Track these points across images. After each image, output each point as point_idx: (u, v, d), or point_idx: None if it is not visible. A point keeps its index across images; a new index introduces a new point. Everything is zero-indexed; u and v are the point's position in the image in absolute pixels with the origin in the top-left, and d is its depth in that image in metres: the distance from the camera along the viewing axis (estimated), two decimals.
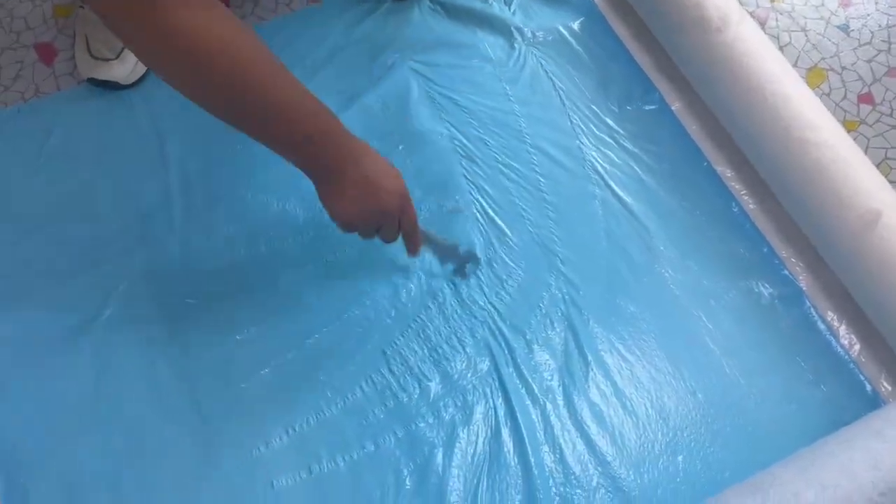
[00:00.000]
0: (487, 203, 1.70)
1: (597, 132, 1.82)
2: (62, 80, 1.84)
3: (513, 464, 1.43)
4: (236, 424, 1.43)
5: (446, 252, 1.56)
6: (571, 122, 1.83)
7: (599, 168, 1.76)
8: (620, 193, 1.73)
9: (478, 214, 1.68)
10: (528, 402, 1.48)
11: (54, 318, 1.53)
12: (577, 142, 1.80)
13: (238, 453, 1.40)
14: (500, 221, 1.68)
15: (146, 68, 1.79)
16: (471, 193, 1.71)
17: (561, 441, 1.45)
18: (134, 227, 1.62)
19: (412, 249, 1.45)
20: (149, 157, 1.70)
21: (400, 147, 1.75)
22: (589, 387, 1.51)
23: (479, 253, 1.61)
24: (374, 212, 1.31)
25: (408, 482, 1.39)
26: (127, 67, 1.77)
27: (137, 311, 1.49)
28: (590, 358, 1.54)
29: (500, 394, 1.49)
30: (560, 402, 1.49)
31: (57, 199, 1.64)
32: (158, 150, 1.71)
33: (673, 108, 1.88)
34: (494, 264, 1.62)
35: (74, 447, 1.41)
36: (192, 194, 1.66)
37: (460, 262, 1.58)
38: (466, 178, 1.74)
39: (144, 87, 1.81)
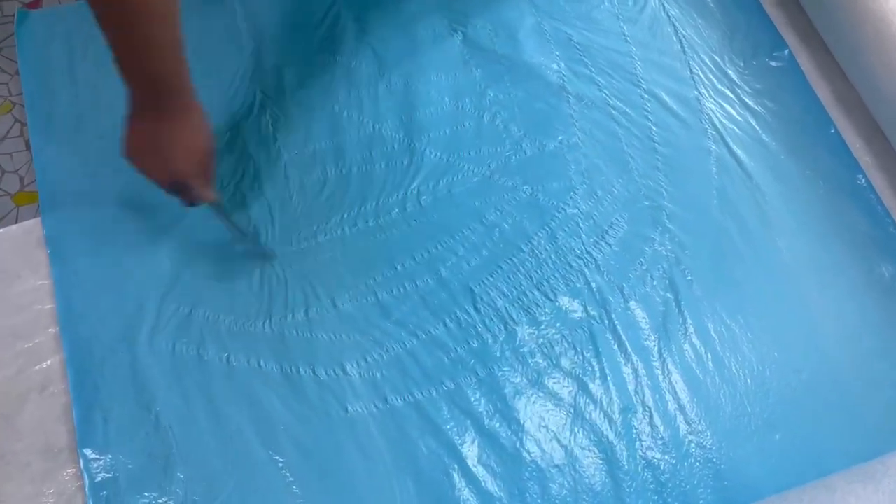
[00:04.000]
0: (593, 147, 1.58)
1: (717, 85, 1.69)
2: None
3: (598, 420, 1.35)
4: (314, 344, 1.37)
5: (239, 238, 1.45)
6: (691, 71, 1.70)
7: (717, 123, 1.63)
8: (738, 152, 1.60)
9: (582, 157, 1.57)
10: (620, 358, 1.39)
11: (135, 216, 1.48)
12: (696, 92, 1.67)
13: (313, 372, 1.34)
14: (604, 168, 1.56)
15: None
16: (577, 135, 1.60)
17: (650, 403, 1.36)
18: (222, 132, 1.54)
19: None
20: (243, 61, 1.63)
21: (505, 78, 1.64)
22: (686, 350, 1.41)
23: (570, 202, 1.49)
24: (154, 169, 1.24)
25: (486, 425, 1.32)
26: None
27: (215, 220, 1.41)
28: (689, 321, 1.43)
29: (590, 347, 1.40)
30: (655, 362, 1.39)
31: None
32: (254, 55, 1.64)
33: (803, 67, 1.73)
34: (595, 213, 1.52)
35: (146, 348, 1.35)
36: (284, 103, 1.59)
37: (254, 251, 1.46)
38: (573, 117, 1.62)
39: None
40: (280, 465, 1.29)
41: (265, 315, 1.42)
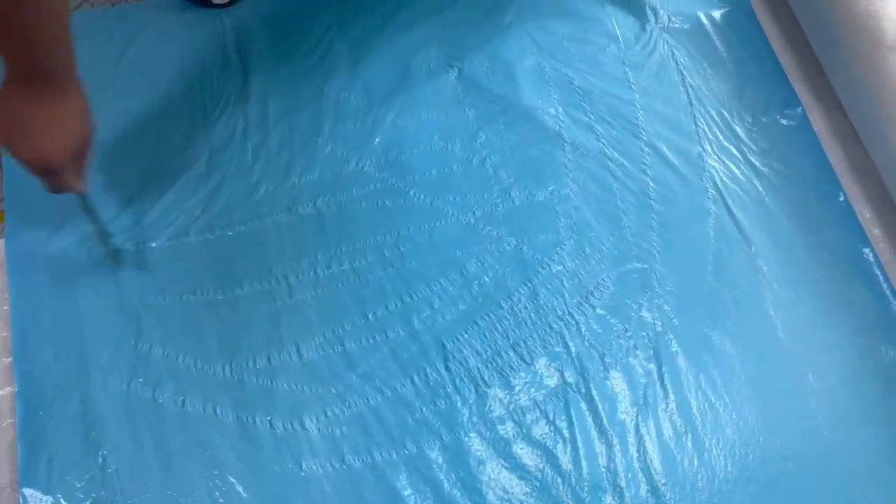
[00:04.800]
0: (585, 200, 1.51)
1: (723, 141, 1.60)
2: None
3: (565, 497, 1.27)
4: (273, 393, 1.32)
5: (99, 237, 1.39)
6: (696, 124, 1.61)
7: (719, 182, 1.55)
8: (738, 215, 1.52)
9: (573, 210, 1.49)
10: (595, 431, 1.31)
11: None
12: (699, 148, 1.59)
13: (270, 424, 1.29)
14: (595, 223, 1.48)
15: None
16: (569, 186, 1.52)
17: (622, 483, 1.28)
18: (201, 159, 1.49)
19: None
20: (229, 85, 1.57)
21: (499, 120, 1.57)
22: (665, 428, 1.33)
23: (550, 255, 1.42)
24: (20, 148, 1.15)
25: (446, 494, 1.25)
26: None
27: (186, 247, 1.34)
28: (672, 396, 1.35)
29: (564, 416, 1.32)
30: (630, 438, 1.31)
31: (126, 113, 1.51)
32: (241, 79, 1.58)
33: (815, 127, 1.64)
34: (582, 272, 1.44)
35: (100, 386, 1.30)
36: (266, 133, 1.52)
37: (112, 252, 1.41)
38: (566, 167, 1.54)
39: (237, 10, 1.66)
40: None
41: (227, 358, 1.35)
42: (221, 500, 1.25)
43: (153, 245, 1.44)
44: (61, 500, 1.24)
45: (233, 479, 1.26)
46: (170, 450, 1.29)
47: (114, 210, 1.45)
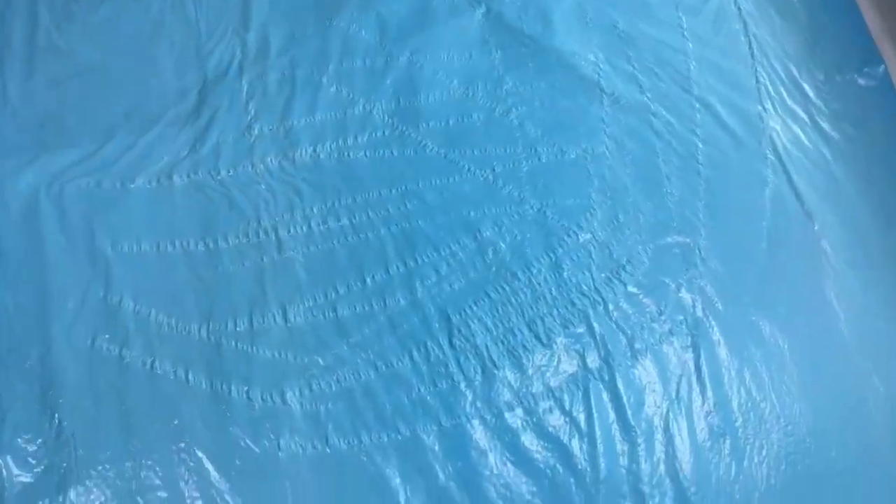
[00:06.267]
0: (623, 161, 1.32)
1: (788, 101, 1.40)
2: None
3: (576, 501, 1.10)
4: (253, 361, 1.18)
5: None
6: (758, 80, 1.41)
7: (780, 147, 1.35)
8: (800, 186, 1.32)
9: (607, 172, 1.30)
10: (617, 427, 1.14)
11: (75, 190, 1.27)
12: (759, 107, 1.39)
13: (247, 395, 1.15)
14: (633, 188, 1.30)
15: None
16: (605, 144, 1.33)
17: (645, 489, 1.11)
18: (191, 92, 1.33)
19: None
20: (228, 11, 1.41)
21: (528, 65, 1.38)
22: (699, 428, 1.16)
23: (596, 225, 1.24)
24: None
25: (441, 487, 1.10)
26: None
27: (168, 190, 1.20)
28: (710, 392, 1.18)
29: (582, 408, 1.15)
30: (658, 438, 1.14)
31: (115, 34, 1.36)
32: (241, 4, 1.41)
33: None
34: (613, 243, 1.25)
35: (61, 340, 1.17)
36: (264, 68, 1.35)
37: None
38: (603, 121, 1.35)
39: None
40: (193, 500, 1.09)
41: (204, 317, 1.20)
42: (187, 477, 1.11)
43: (133, 186, 1.28)
44: (10, 465, 1.11)
45: (201, 454, 1.12)
46: (134, 416, 1.15)
47: (93, 142, 1.30)
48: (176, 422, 1.14)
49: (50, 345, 1.17)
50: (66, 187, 1.27)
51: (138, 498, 1.09)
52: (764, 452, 1.14)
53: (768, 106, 1.39)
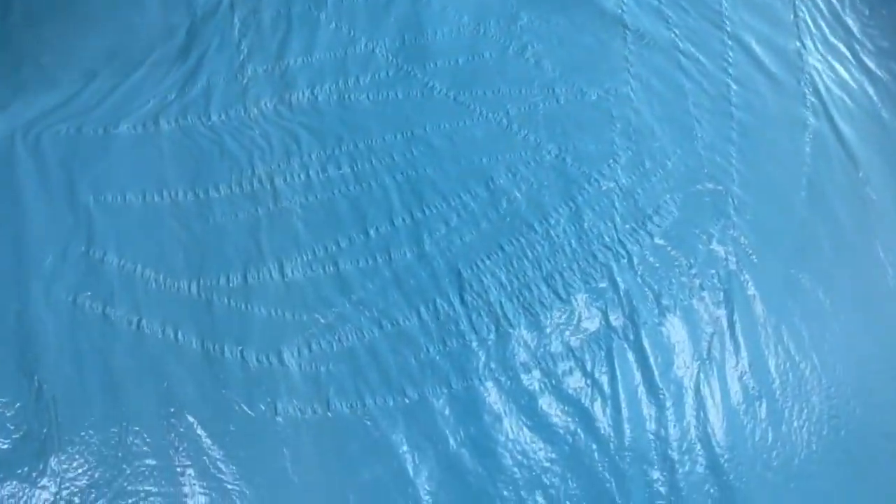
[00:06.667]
0: (649, 102, 1.22)
1: (830, 36, 1.29)
2: None
3: (600, 468, 1.02)
4: (248, 319, 1.09)
5: None
6: (796, 14, 1.30)
7: (821, 88, 1.26)
8: (844, 130, 1.22)
9: (632, 114, 1.20)
10: (643, 388, 1.06)
11: (53, 141, 1.17)
12: (798, 44, 1.28)
13: (242, 356, 1.07)
14: (660, 132, 1.20)
15: None
16: (629, 85, 1.22)
17: (674, 455, 1.03)
18: (179, 30, 1.24)
19: None
20: None
21: (546, 3, 1.27)
22: (733, 390, 1.07)
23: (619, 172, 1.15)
24: None
25: (452, 454, 1.02)
26: None
27: (155, 136, 1.11)
28: (744, 351, 1.09)
29: (605, 369, 1.06)
30: (688, 401, 1.06)
31: None
32: None
33: None
34: (639, 191, 1.16)
35: (40, 297, 1.10)
36: (258, 1, 1.26)
37: None
38: (627, 60, 1.25)
39: None
40: (183, 469, 1.00)
41: (194, 273, 1.12)
42: (177, 443, 1.03)
43: (116, 131, 1.18)
44: None
45: (192, 419, 1.04)
46: (119, 379, 1.06)
47: (73, 85, 1.20)
48: (165, 384, 1.06)
49: (28, 303, 1.09)
50: (43, 134, 1.18)
51: (124, 466, 1.01)
52: (804, 416, 1.06)
53: (808, 42, 1.29)
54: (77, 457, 1.02)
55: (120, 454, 1.02)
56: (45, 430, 1.03)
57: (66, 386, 1.05)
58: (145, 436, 1.03)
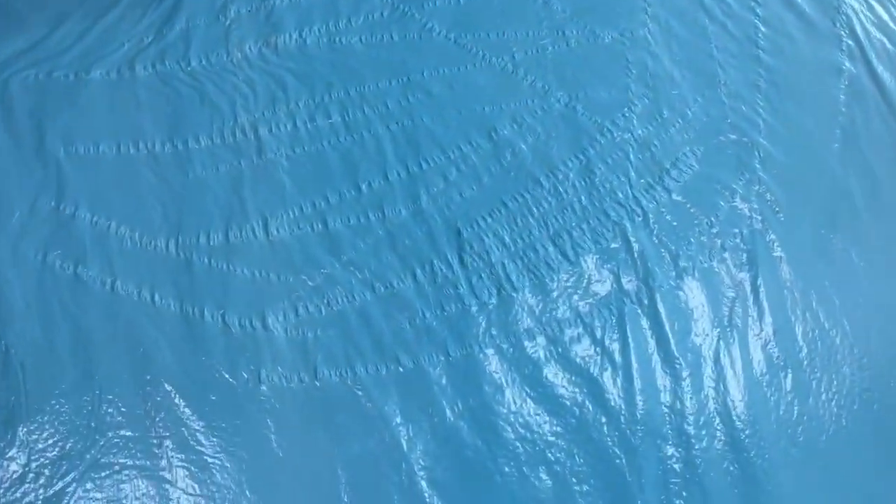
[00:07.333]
0: (667, 46, 1.13)
1: None
2: None
3: (610, 443, 0.95)
4: (230, 280, 1.02)
5: None
6: None
7: (859, 29, 1.17)
8: (883, 76, 1.15)
9: (649, 59, 1.10)
10: (657, 357, 1.00)
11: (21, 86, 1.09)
12: None
13: (223, 320, 1.00)
14: (679, 78, 1.12)
15: None
16: (647, 26, 1.13)
17: (690, 430, 0.95)
18: None
19: None
20: None
21: None
22: (756, 359, 1.00)
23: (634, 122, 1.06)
24: None
25: (449, 426, 0.96)
26: None
27: (130, 82, 1.04)
28: (768, 317, 1.02)
29: (616, 335, 1.00)
30: (707, 371, 0.99)
31: None
32: None
33: None
34: (656, 142, 1.07)
35: (6, 255, 1.03)
36: None
37: None
38: (645, 0, 1.14)
39: None
40: (161, 440, 0.94)
41: (172, 230, 1.04)
42: (154, 413, 0.96)
43: (88, 77, 1.10)
44: None
45: (169, 388, 0.97)
46: (92, 344, 1.00)
47: (43, 27, 1.12)
48: (140, 350, 0.99)
49: None
50: (11, 80, 1.10)
51: (97, 437, 0.95)
52: (833, 388, 0.98)
53: None
54: (47, 426, 0.95)
55: (93, 424, 0.96)
56: (12, 399, 0.96)
57: (36, 351, 0.99)
58: (120, 405, 0.96)
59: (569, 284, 1.01)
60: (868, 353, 1.00)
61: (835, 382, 0.98)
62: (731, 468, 0.94)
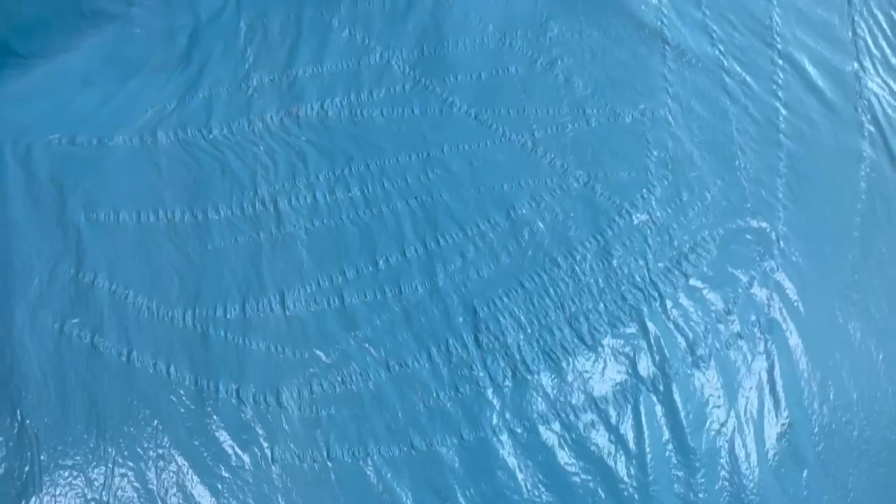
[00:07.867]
0: (689, 127, 1.12)
1: (891, 58, 1.19)
2: None
3: None
4: (245, 355, 1.02)
5: None
6: (855, 32, 1.20)
7: (881, 115, 1.17)
8: None
9: (669, 140, 1.10)
10: (672, 450, 0.99)
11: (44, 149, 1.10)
12: (856, 65, 1.19)
13: (237, 395, 1.01)
14: (700, 160, 1.11)
15: None
16: (667, 106, 1.13)
17: None
18: (181, 34, 1.17)
19: None
20: None
21: (578, 8, 1.18)
22: (772, 451, 0.99)
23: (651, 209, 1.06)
24: None
25: None
26: None
27: (151, 150, 1.06)
28: (785, 409, 1.02)
29: (631, 424, 0.99)
30: (721, 462, 0.98)
31: None
32: None
33: None
34: (675, 226, 1.06)
35: (25, 324, 1.03)
36: (266, 5, 1.17)
37: None
38: (666, 79, 1.15)
39: None
40: None
41: (189, 302, 1.04)
42: (166, 487, 0.96)
43: (112, 143, 1.11)
44: None
45: (182, 462, 0.97)
46: (106, 416, 0.99)
47: (68, 90, 1.13)
48: (155, 423, 0.98)
49: (11, 329, 1.03)
50: (34, 144, 1.10)
51: None
52: (849, 485, 0.96)
53: (867, 64, 1.19)
54: (60, 498, 0.95)
55: (105, 497, 0.95)
56: (27, 469, 0.96)
57: (51, 422, 0.98)
58: (132, 478, 0.96)
59: (585, 369, 1.01)
60: (886, 447, 0.98)
61: (851, 479, 0.97)
62: None
